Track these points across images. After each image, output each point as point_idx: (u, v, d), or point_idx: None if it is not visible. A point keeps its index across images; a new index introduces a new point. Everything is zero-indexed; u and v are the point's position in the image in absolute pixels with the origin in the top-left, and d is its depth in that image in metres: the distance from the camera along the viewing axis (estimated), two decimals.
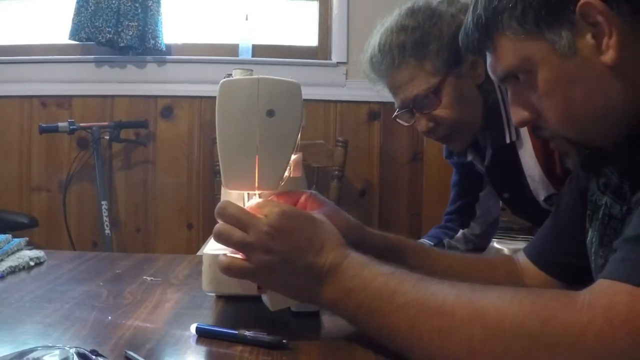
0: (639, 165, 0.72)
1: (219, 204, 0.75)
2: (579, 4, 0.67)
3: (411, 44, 1.20)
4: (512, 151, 1.25)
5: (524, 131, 1.21)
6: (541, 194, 1.25)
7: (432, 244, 1.43)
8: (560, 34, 0.69)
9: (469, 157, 1.36)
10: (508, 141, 1.23)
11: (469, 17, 0.78)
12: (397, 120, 1.33)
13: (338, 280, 0.71)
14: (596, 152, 0.75)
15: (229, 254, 0.75)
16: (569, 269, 0.93)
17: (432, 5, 1.23)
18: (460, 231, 1.50)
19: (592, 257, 0.84)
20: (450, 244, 1.47)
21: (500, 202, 1.49)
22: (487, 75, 1.17)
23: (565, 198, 0.94)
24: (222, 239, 0.74)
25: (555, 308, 0.58)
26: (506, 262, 1.01)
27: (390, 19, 1.27)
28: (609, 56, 0.68)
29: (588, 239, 0.85)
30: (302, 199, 0.87)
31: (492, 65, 0.78)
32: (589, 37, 0.68)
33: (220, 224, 0.74)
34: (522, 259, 0.99)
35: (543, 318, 0.57)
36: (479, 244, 1.53)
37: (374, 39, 1.27)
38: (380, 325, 0.67)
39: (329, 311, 0.74)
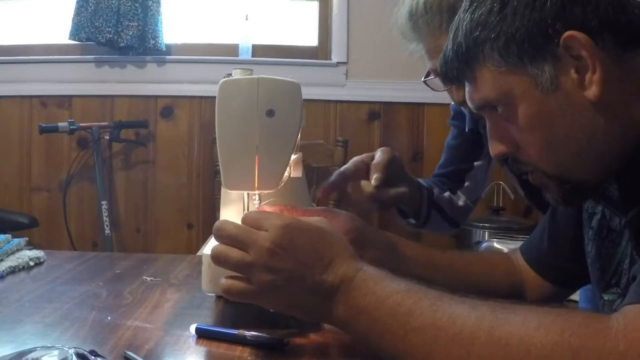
0: (637, 182, 0.70)
1: (215, 224, 0.70)
2: (563, 37, 0.65)
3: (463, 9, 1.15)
4: None
5: None
6: None
7: (425, 185, 1.36)
8: (543, 68, 0.67)
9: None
10: None
11: (449, 45, 0.75)
12: (426, 84, 1.25)
13: (349, 298, 0.65)
14: (576, 187, 0.72)
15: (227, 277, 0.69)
16: (564, 274, 0.92)
17: None
18: (448, 192, 1.42)
19: (590, 267, 0.83)
20: (438, 199, 1.39)
21: (519, 187, 1.44)
22: None
23: None
24: (220, 261, 0.68)
25: (587, 336, 0.53)
26: (505, 260, 1.00)
27: None
28: (592, 92, 0.65)
29: (586, 246, 0.85)
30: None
31: (470, 94, 0.75)
32: (572, 71, 0.67)
33: (217, 245, 0.69)
34: (520, 259, 0.99)
35: (574, 348, 0.52)
36: (458, 218, 1.46)
37: None
38: (393, 349, 0.62)
39: (341, 330, 0.69)
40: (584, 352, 0.52)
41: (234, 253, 0.67)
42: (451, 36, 0.75)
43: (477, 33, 0.70)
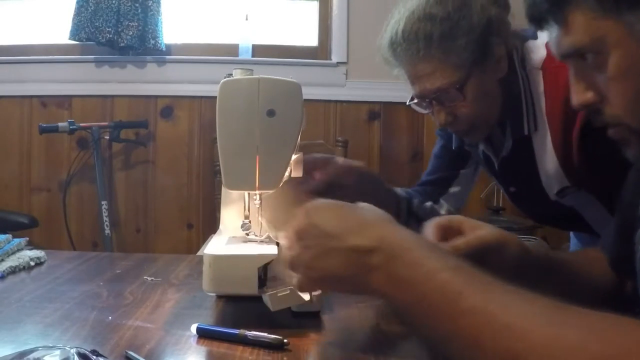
0: None
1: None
2: None
3: (439, 35, 1.13)
4: (527, 144, 1.22)
5: (543, 123, 1.18)
6: (554, 188, 1.23)
7: (403, 195, 1.37)
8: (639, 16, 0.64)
9: (481, 148, 1.34)
10: (526, 132, 1.20)
11: None
12: (412, 106, 1.28)
13: (391, 266, 0.62)
14: None
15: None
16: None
17: None
18: (430, 203, 1.43)
19: None
20: (418, 209, 1.40)
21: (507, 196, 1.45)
22: (510, 67, 1.16)
23: (627, 190, 0.88)
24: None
25: None
26: (601, 258, 0.95)
27: (415, 2, 1.18)
28: None
29: None
30: None
31: (558, 39, 0.71)
32: None
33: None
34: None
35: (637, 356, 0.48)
36: None
37: (397, 22, 1.19)
38: (440, 328, 0.58)
39: (382, 299, 0.66)
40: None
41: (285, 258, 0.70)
42: None
43: None
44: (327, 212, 0.68)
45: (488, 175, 1.44)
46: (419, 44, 1.14)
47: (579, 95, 0.73)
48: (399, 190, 1.39)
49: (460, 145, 1.38)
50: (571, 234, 1.56)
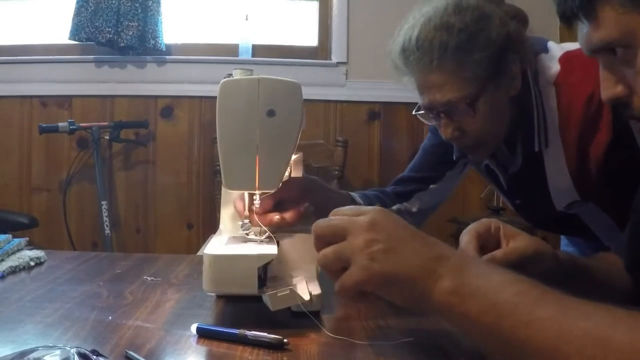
0: None
1: (315, 223, 0.70)
2: None
3: (454, 47, 1.08)
4: (537, 160, 1.19)
5: (555, 139, 1.15)
6: (563, 201, 1.21)
7: (362, 203, 1.32)
8: None
9: (485, 162, 1.32)
10: (537, 149, 1.16)
11: None
12: (417, 116, 1.24)
13: (461, 275, 0.61)
14: None
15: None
16: None
17: (480, 5, 1.11)
18: (398, 205, 1.39)
19: None
20: None
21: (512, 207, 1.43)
22: (523, 83, 1.12)
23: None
24: (322, 263, 0.68)
25: None
26: (617, 264, 0.94)
27: (432, 10, 1.13)
28: None
29: None
30: None
31: (589, 34, 0.72)
32: None
33: (315, 240, 0.69)
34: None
35: None
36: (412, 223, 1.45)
37: (412, 28, 1.13)
38: (511, 337, 0.56)
39: (438, 310, 0.63)
40: None
41: (336, 246, 0.67)
42: None
43: None
44: (402, 221, 0.68)
45: (487, 182, 1.41)
46: (432, 53, 1.09)
47: (609, 89, 0.73)
48: (358, 197, 1.35)
49: (460, 156, 1.34)
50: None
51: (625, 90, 0.72)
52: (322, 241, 0.69)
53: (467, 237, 0.84)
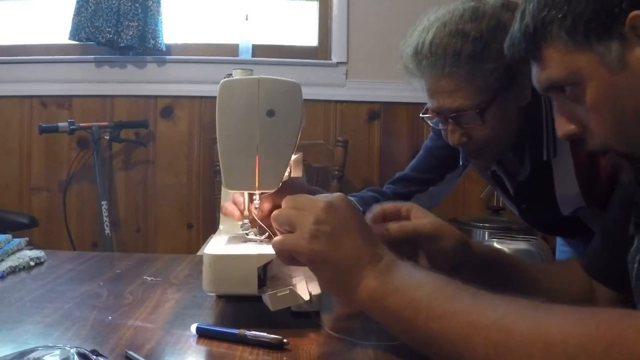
0: None
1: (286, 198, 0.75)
2: (629, 16, 0.66)
3: (468, 55, 1.07)
4: (545, 168, 1.19)
5: (564, 149, 1.15)
6: (569, 208, 1.21)
7: (360, 209, 1.34)
8: (610, 46, 0.68)
9: (492, 168, 1.31)
10: (545, 158, 1.17)
11: (516, 26, 0.77)
12: (424, 119, 1.23)
13: (386, 275, 0.67)
14: None
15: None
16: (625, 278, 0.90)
17: (497, 13, 1.10)
18: None
19: (636, 264, 0.82)
20: None
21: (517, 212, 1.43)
22: (534, 94, 1.10)
23: (613, 207, 0.92)
24: (275, 218, 0.73)
25: (622, 330, 0.54)
26: (579, 272, 0.98)
27: (448, 14, 1.12)
28: None
29: (634, 247, 0.83)
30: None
31: (537, 75, 0.77)
32: (638, 50, 0.67)
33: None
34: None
35: (609, 340, 0.54)
36: None
37: (425, 31, 1.12)
38: (426, 329, 0.62)
39: (361, 306, 0.68)
40: (617, 344, 0.54)
41: (291, 210, 0.72)
42: (518, 18, 0.76)
43: (545, 13, 0.72)
44: (359, 214, 0.73)
45: (492, 186, 1.40)
46: (446, 60, 1.09)
47: (562, 128, 0.77)
48: (355, 201, 1.34)
49: (466, 162, 1.34)
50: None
51: (578, 127, 0.75)
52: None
53: (370, 215, 0.88)
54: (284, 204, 0.74)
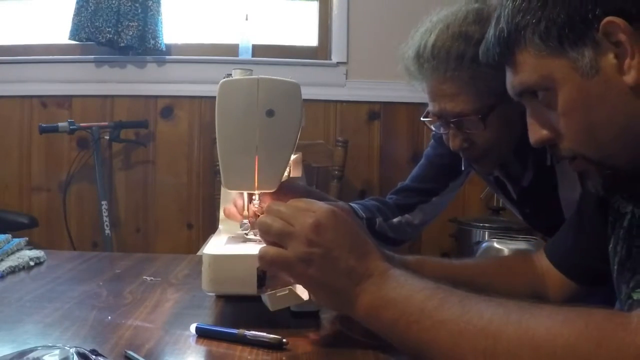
0: None
1: (267, 205, 0.74)
2: (603, 22, 0.66)
3: (470, 58, 1.05)
4: (548, 173, 1.18)
5: None
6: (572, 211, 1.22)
7: (364, 216, 1.31)
8: (583, 52, 0.68)
9: (495, 173, 1.30)
10: (548, 163, 1.15)
11: (490, 31, 0.77)
12: (424, 123, 1.22)
13: (380, 289, 0.68)
14: (617, 173, 0.73)
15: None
16: (589, 272, 0.92)
17: None
18: (399, 217, 1.38)
19: (616, 266, 0.82)
20: (381, 228, 1.34)
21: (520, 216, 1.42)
22: None
23: (587, 202, 0.92)
24: (263, 229, 0.72)
25: (609, 329, 0.55)
26: (525, 265, 1.00)
27: (452, 16, 1.10)
28: (631, 77, 0.66)
29: (611, 246, 0.84)
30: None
31: (511, 80, 0.77)
32: (611, 56, 0.67)
33: (263, 216, 0.74)
34: (543, 260, 0.98)
35: (597, 340, 0.55)
36: (409, 235, 1.41)
37: (428, 33, 1.10)
38: (418, 340, 0.64)
39: (361, 320, 0.70)
40: (605, 343, 0.54)
41: (278, 222, 0.71)
42: (493, 23, 0.77)
43: (519, 19, 0.72)
44: (349, 226, 0.72)
45: (493, 191, 1.39)
46: (448, 63, 1.07)
47: (535, 134, 0.77)
48: (359, 209, 1.32)
49: (468, 167, 1.32)
50: None
51: (550, 133, 0.76)
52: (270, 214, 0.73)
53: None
54: (266, 211, 0.74)
